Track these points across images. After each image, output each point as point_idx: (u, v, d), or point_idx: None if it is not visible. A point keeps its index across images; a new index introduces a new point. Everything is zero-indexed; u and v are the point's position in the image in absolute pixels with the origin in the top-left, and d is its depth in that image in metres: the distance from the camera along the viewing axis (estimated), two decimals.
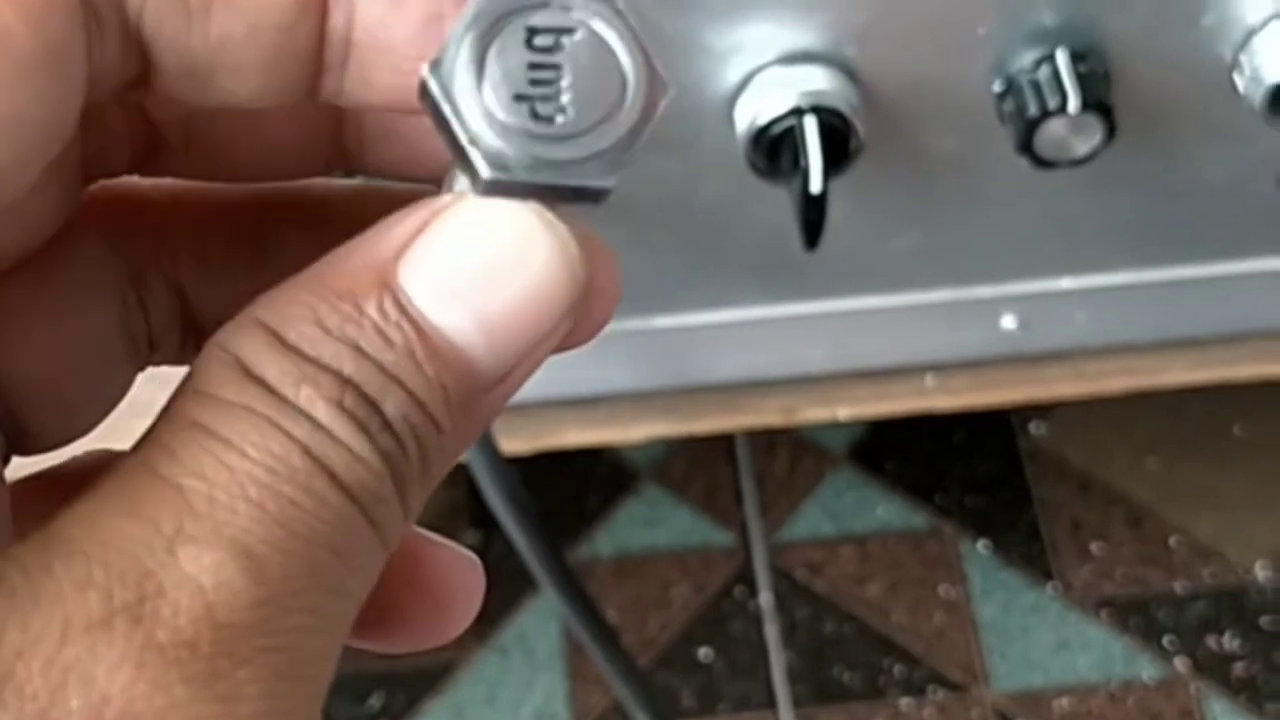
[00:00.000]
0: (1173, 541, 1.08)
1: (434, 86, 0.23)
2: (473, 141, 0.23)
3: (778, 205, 0.69)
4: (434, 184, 0.28)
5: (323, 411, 0.22)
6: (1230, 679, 1.02)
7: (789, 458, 1.11)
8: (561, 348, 0.25)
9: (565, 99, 0.23)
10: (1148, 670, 1.03)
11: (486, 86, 0.23)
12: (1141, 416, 1.10)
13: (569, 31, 0.23)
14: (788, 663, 1.04)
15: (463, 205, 0.23)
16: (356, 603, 0.22)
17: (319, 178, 0.29)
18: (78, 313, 0.27)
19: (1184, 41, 0.68)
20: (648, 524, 1.09)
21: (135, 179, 0.28)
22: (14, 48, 0.22)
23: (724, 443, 1.11)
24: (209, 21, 0.23)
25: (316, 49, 0.24)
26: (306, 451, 0.22)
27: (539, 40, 0.23)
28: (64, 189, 0.26)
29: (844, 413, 0.85)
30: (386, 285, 0.23)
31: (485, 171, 0.23)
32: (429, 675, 1.03)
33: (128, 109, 0.26)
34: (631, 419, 0.84)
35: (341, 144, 0.28)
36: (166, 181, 0.28)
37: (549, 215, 0.23)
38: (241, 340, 0.23)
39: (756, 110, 0.67)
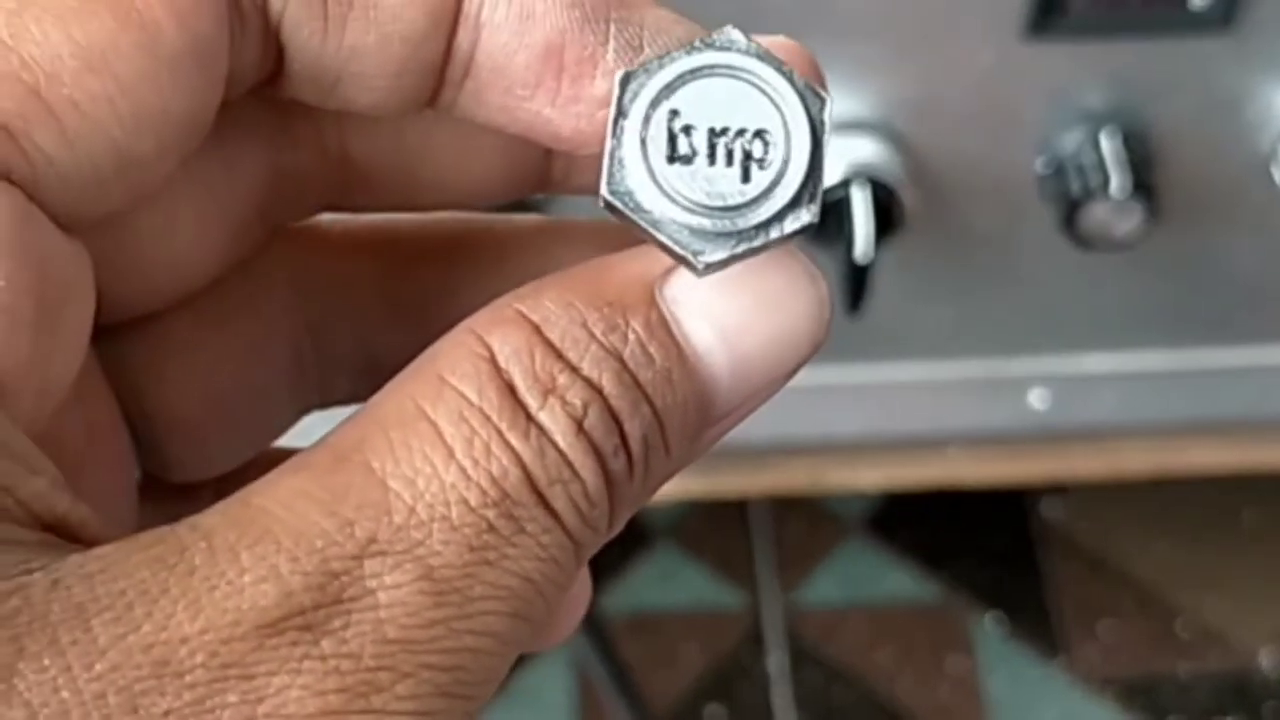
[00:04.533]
0: (1179, 624, 1.09)
1: (615, 94, 0.23)
2: (615, 163, 0.23)
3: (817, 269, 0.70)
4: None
5: (562, 430, 0.22)
6: None
7: (804, 524, 1.12)
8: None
9: (715, 170, 0.23)
10: None
11: (655, 123, 0.23)
12: (1153, 499, 1.11)
13: (758, 113, 0.23)
14: None
15: None
16: (539, 625, 0.22)
17: (502, 214, 0.29)
18: (246, 363, 0.27)
19: (1225, 132, 0.69)
20: (661, 583, 1.09)
21: (327, 223, 0.28)
22: (162, 43, 0.22)
23: (739, 506, 1.11)
24: (344, 29, 0.23)
25: (440, 65, 0.24)
26: (526, 477, 0.22)
27: (726, 107, 0.23)
28: (233, 227, 0.26)
29: (868, 479, 0.86)
30: (654, 300, 0.23)
31: (605, 190, 0.23)
32: None
33: (325, 151, 0.27)
34: None
35: (549, 169, 0.28)
36: (353, 225, 0.28)
37: (814, 268, 0.24)
38: (499, 331, 0.22)
39: None
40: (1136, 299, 0.78)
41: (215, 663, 0.20)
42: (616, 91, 0.23)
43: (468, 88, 0.24)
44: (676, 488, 0.88)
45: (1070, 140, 0.68)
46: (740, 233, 0.23)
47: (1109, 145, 0.67)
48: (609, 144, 0.23)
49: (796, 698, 1.05)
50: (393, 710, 0.20)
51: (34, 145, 0.22)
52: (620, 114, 0.23)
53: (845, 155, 0.67)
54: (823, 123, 0.23)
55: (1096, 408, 0.82)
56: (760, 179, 0.23)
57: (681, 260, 0.23)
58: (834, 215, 0.68)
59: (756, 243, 0.23)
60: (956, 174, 0.70)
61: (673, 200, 0.23)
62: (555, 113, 0.24)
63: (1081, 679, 1.06)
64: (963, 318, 0.78)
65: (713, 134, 0.23)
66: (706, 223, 0.23)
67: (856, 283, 0.68)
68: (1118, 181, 0.67)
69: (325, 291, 0.28)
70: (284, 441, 0.29)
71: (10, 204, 0.21)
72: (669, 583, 1.10)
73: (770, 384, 0.24)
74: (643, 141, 0.23)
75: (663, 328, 0.23)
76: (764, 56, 0.23)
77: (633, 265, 0.23)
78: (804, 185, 0.23)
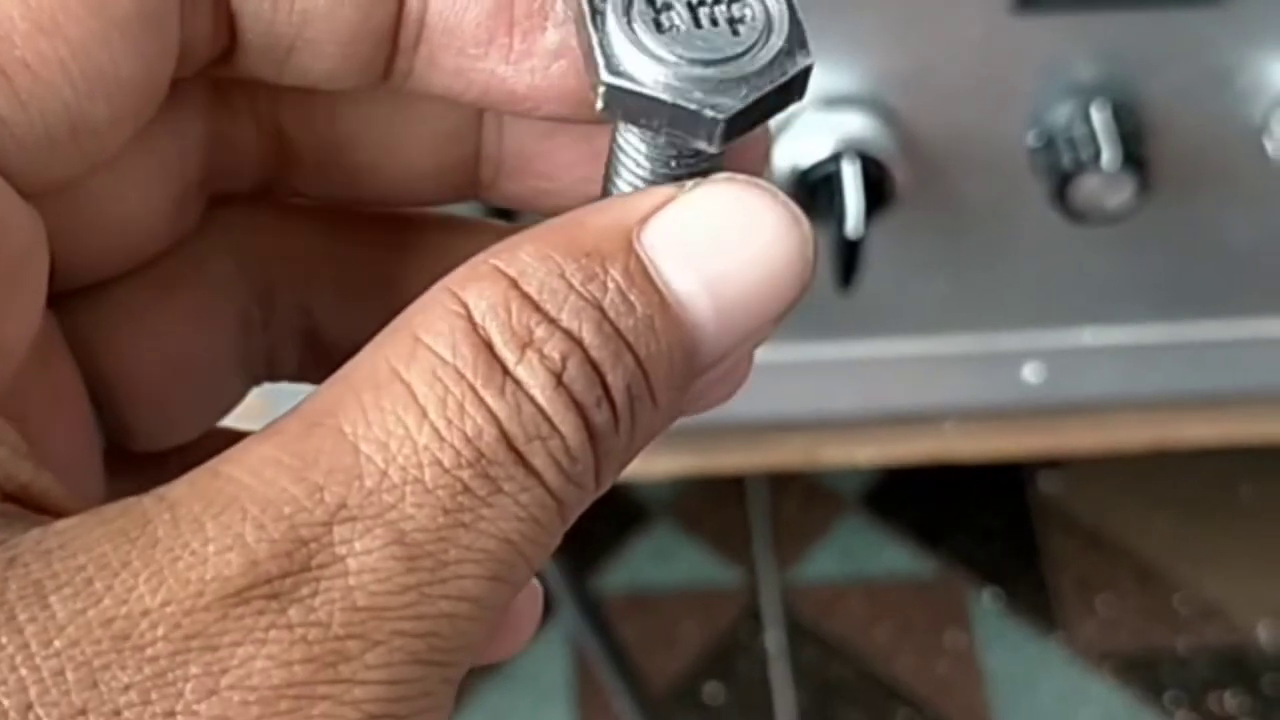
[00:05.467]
0: (1177, 599, 1.09)
1: (625, 85, 0.23)
2: (606, 50, 0.23)
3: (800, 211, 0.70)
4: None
5: (540, 384, 0.21)
6: None
7: (801, 500, 1.12)
8: (698, 409, 0.24)
9: (704, 32, 0.23)
10: None
11: (634, 8, 0.23)
12: (1150, 474, 1.11)
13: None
14: (794, 703, 1.04)
15: (709, 184, 0.23)
16: (519, 586, 0.22)
17: (451, 211, 0.29)
18: (194, 327, 0.27)
19: (1217, 104, 0.69)
20: (659, 560, 1.10)
21: (274, 199, 0.28)
22: (112, 5, 0.22)
23: (736, 483, 1.12)
24: None
25: (392, 29, 0.24)
26: (502, 435, 0.21)
27: None
28: (178, 194, 0.26)
29: (864, 455, 0.86)
30: (632, 248, 0.22)
31: (605, 74, 0.23)
32: None
33: (260, 123, 0.27)
34: (654, 454, 0.84)
35: (477, 174, 0.27)
36: (305, 204, 0.28)
37: (796, 208, 0.23)
38: (474, 287, 0.22)
39: (796, 153, 0.68)
40: (1130, 272, 0.77)
41: (177, 635, 0.20)
42: None
43: (421, 53, 0.24)
44: (672, 465, 0.88)
45: (1061, 113, 0.68)
46: (747, 77, 0.23)
47: (1100, 118, 0.67)
48: (593, 37, 0.23)
49: (795, 674, 1.05)
50: (362, 679, 0.20)
51: None
52: (595, 11, 0.23)
53: (836, 130, 0.67)
54: (795, 63, 0.23)
55: (1092, 381, 0.82)
56: (749, 31, 0.23)
57: (696, 128, 0.23)
58: (825, 190, 0.68)
59: (766, 87, 0.23)
60: (947, 148, 0.70)
61: (675, 65, 0.23)
62: (510, 70, 0.24)
63: (1080, 654, 1.06)
64: (956, 292, 0.78)
65: (690, 7, 0.23)
66: (713, 73, 0.23)
67: (848, 258, 0.68)
68: (1109, 154, 0.67)
69: (270, 262, 0.28)
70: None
71: None
72: (666, 561, 1.10)
73: (757, 329, 0.23)
74: (628, 22, 0.23)
75: (643, 275, 0.22)
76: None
77: (609, 214, 0.23)
78: (793, 29, 0.23)
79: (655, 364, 0.22)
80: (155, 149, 0.25)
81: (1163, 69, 0.68)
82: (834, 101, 0.68)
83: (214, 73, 0.25)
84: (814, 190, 0.68)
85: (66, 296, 0.26)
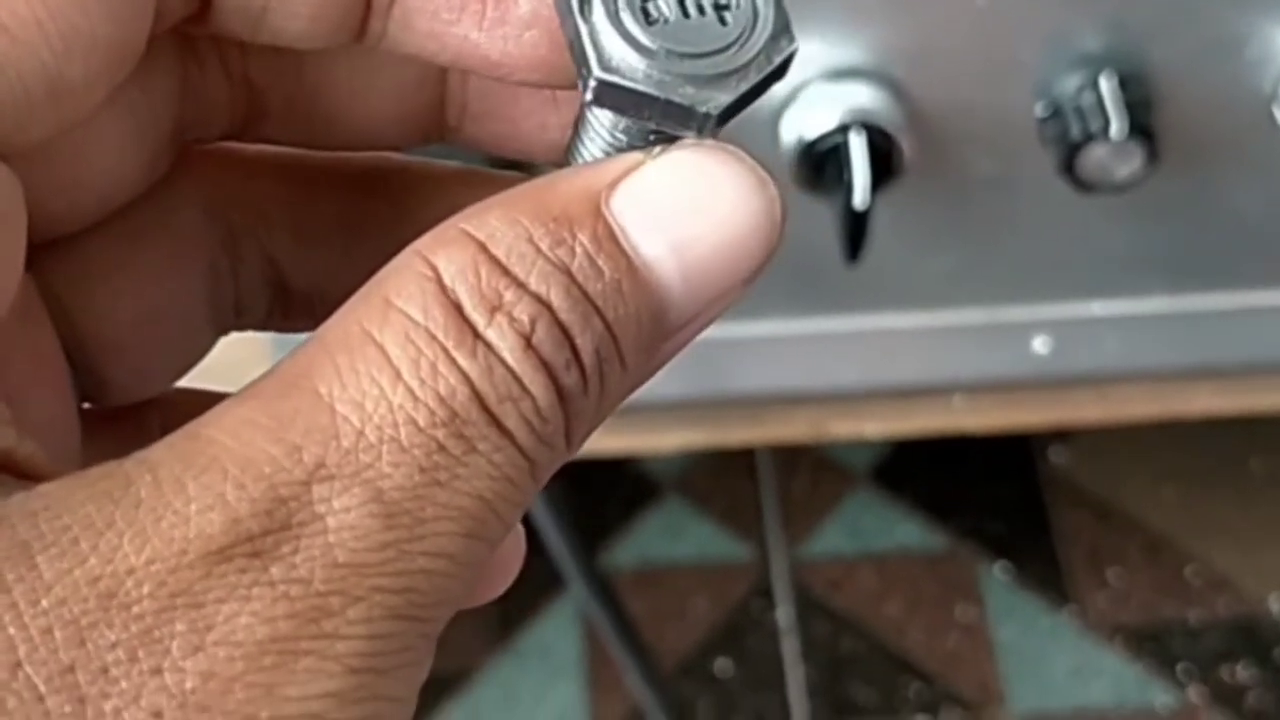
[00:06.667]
0: (1188, 571, 1.09)
1: (617, 80, 0.23)
2: (595, 44, 0.23)
3: (815, 218, 0.70)
4: (532, 163, 0.28)
5: (510, 346, 0.22)
6: (1242, 709, 1.03)
7: (811, 475, 1.12)
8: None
9: (692, 22, 0.23)
10: (1161, 698, 1.03)
11: (651, 47, 0.23)
12: (1160, 446, 1.11)
13: None
14: (805, 678, 1.05)
15: (675, 150, 0.23)
16: (494, 544, 0.22)
17: (418, 157, 0.29)
18: (166, 277, 0.27)
19: (1226, 73, 0.69)
20: (669, 536, 1.10)
21: (237, 145, 0.28)
22: None
23: (746, 458, 1.12)
24: None
25: None
26: (474, 395, 0.22)
27: None
28: (150, 147, 0.26)
29: (871, 429, 0.86)
30: (600, 213, 0.23)
31: (596, 70, 0.23)
32: (447, 679, 1.03)
33: (229, 74, 0.27)
34: (661, 429, 0.85)
35: (442, 118, 0.28)
36: (268, 150, 0.28)
37: (763, 172, 0.24)
38: (444, 251, 0.22)
39: (803, 124, 0.68)
40: (1138, 243, 0.77)
41: (163, 592, 0.20)
42: None
43: (395, 15, 0.24)
44: (682, 440, 0.88)
45: (1069, 83, 0.68)
46: (738, 70, 0.23)
47: (1108, 87, 0.67)
48: (581, 29, 0.23)
49: (805, 649, 1.05)
50: (344, 634, 0.20)
51: None
52: (583, 1, 0.23)
53: (842, 101, 0.67)
54: (781, 51, 0.24)
55: (1100, 353, 0.82)
56: (736, 19, 0.23)
57: (687, 120, 0.23)
58: (832, 163, 0.67)
59: (755, 78, 0.23)
60: (955, 119, 0.70)
61: (665, 57, 0.23)
62: (483, 36, 0.24)
63: (1091, 627, 1.06)
64: (964, 265, 0.77)
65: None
66: (703, 65, 0.23)
67: (855, 230, 0.68)
68: (1117, 124, 0.66)
69: (235, 211, 0.28)
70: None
71: None
72: (676, 536, 1.10)
73: (726, 292, 0.24)
74: (616, 12, 0.23)
75: (610, 239, 0.23)
76: None
77: (578, 179, 0.23)
78: (778, 15, 0.24)
79: (623, 327, 0.23)
80: (128, 104, 0.26)
81: (1171, 38, 0.67)
82: (841, 73, 0.67)
83: (187, 29, 0.25)
84: (821, 162, 0.68)
85: (36, 251, 0.26)
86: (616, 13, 0.23)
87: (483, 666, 1.04)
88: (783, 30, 0.23)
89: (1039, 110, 0.69)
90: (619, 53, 0.23)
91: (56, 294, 0.26)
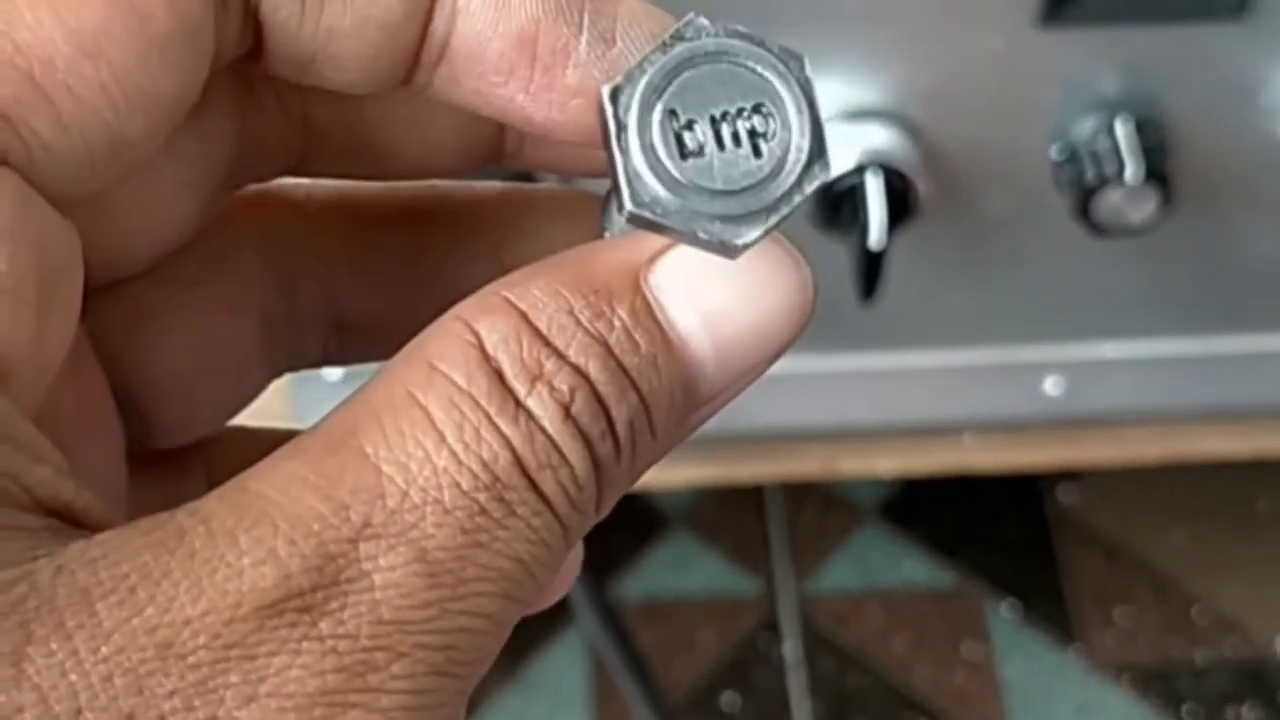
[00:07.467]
0: (1195, 612, 1.09)
1: (609, 112, 0.23)
2: (630, 177, 0.23)
3: (829, 257, 0.70)
4: (587, 181, 0.28)
5: (550, 416, 0.22)
6: None
7: (819, 511, 1.12)
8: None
9: (726, 155, 0.23)
10: None
11: (656, 127, 0.23)
12: (1169, 487, 1.11)
13: (747, 89, 0.24)
14: (811, 713, 1.05)
15: None
16: (528, 605, 0.23)
17: (463, 182, 0.29)
18: (220, 321, 0.28)
19: (1240, 118, 0.69)
20: (677, 569, 1.10)
21: (293, 187, 0.29)
22: (153, 26, 0.23)
23: (755, 493, 1.12)
24: (321, 11, 0.24)
25: (415, 49, 0.25)
26: (516, 461, 0.22)
27: (716, 93, 0.24)
28: (206, 191, 0.27)
29: (883, 466, 0.86)
30: (639, 288, 0.23)
31: (629, 205, 0.23)
32: None
33: (288, 113, 0.27)
34: (673, 463, 0.84)
35: (501, 145, 0.28)
36: (317, 187, 0.29)
37: (796, 252, 0.24)
38: (487, 319, 0.23)
39: None
40: (1152, 286, 0.77)
41: (218, 644, 0.20)
42: (609, 109, 0.23)
43: (442, 71, 0.25)
44: (691, 474, 0.88)
45: (1084, 127, 0.68)
46: (769, 206, 0.23)
47: (1123, 132, 0.67)
48: (617, 159, 0.23)
49: (812, 685, 1.05)
50: (389, 689, 0.21)
51: (30, 130, 0.22)
52: (620, 128, 0.23)
53: (859, 142, 0.68)
54: (808, 79, 0.24)
55: (1112, 395, 0.82)
56: (771, 150, 0.23)
57: (719, 251, 0.23)
58: (848, 203, 0.68)
59: (785, 211, 0.23)
60: (970, 161, 0.70)
61: (697, 194, 0.23)
62: (528, 100, 0.25)
63: (1098, 666, 1.06)
64: (977, 305, 0.78)
65: (714, 121, 0.24)
66: (735, 205, 0.23)
67: (870, 270, 0.68)
68: (1132, 168, 0.67)
69: (290, 252, 0.28)
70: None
71: (9, 188, 0.22)
72: (684, 570, 1.10)
73: (755, 367, 0.24)
74: (650, 148, 0.23)
75: (648, 314, 0.23)
76: (735, 34, 0.24)
77: (619, 252, 0.24)
78: (814, 143, 0.24)
79: (657, 399, 0.23)
80: (185, 151, 0.26)
81: (1186, 83, 0.68)
82: (858, 114, 0.68)
83: (239, 68, 0.25)
84: (838, 202, 0.68)
85: (89, 295, 0.26)
86: (651, 145, 0.23)
87: (491, 697, 1.04)
88: (817, 157, 0.24)
89: (1054, 153, 0.69)
90: (651, 188, 0.23)
91: (108, 338, 0.27)
